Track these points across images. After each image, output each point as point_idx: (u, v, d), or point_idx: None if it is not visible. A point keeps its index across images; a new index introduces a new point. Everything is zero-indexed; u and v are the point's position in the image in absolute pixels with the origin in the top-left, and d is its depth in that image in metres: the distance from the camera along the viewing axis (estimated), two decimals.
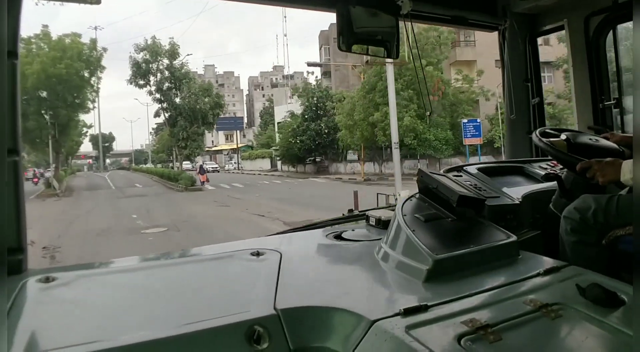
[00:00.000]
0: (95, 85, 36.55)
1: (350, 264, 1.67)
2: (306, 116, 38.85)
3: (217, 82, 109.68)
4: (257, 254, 1.61)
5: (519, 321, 1.15)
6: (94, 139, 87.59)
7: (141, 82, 34.96)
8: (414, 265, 1.42)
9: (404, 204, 1.77)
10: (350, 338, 1.12)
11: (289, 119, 42.68)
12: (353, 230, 1.97)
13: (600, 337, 1.13)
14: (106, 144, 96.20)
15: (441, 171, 2.11)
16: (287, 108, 48.46)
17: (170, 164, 67.67)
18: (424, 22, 3.09)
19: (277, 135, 51.45)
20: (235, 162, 64.57)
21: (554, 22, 3.05)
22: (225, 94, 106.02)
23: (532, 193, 2.18)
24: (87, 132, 67.40)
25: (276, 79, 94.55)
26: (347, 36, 2.40)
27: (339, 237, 1.89)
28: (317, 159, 40.87)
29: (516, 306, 1.20)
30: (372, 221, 2.01)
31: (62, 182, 35.49)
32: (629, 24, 2.84)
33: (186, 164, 70.97)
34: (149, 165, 79.38)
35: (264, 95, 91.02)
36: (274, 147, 51.06)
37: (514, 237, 1.58)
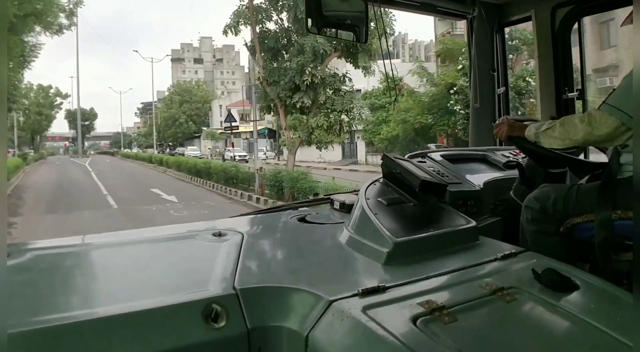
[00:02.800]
0: None
1: (312, 246, 1.67)
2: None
3: (214, 56, 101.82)
4: (219, 234, 1.59)
5: (474, 304, 1.16)
6: (71, 116, 70.68)
7: None
8: (375, 247, 1.42)
9: (367, 188, 1.77)
10: (307, 318, 1.12)
11: (373, 87, 29.28)
12: (317, 213, 1.97)
13: (552, 321, 1.15)
14: (86, 122, 77.90)
15: (405, 157, 2.12)
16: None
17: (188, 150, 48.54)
18: (393, 8, 3.10)
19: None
20: (268, 149, 46.25)
21: (522, 13, 3.08)
22: (225, 71, 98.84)
23: (493, 180, 2.23)
24: (61, 103, 50.58)
25: None
26: (316, 19, 2.41)
27: (302, 220, 1.88)
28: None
29: (472, 289, 1.22)
30: (336, 205, 2.01)
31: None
32: (592, 17, 2.91)
33: (193, 151, 50.35)
34: (136, 150, 64.08)
35: None
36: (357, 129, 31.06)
37: (473, 223, 1.60)
